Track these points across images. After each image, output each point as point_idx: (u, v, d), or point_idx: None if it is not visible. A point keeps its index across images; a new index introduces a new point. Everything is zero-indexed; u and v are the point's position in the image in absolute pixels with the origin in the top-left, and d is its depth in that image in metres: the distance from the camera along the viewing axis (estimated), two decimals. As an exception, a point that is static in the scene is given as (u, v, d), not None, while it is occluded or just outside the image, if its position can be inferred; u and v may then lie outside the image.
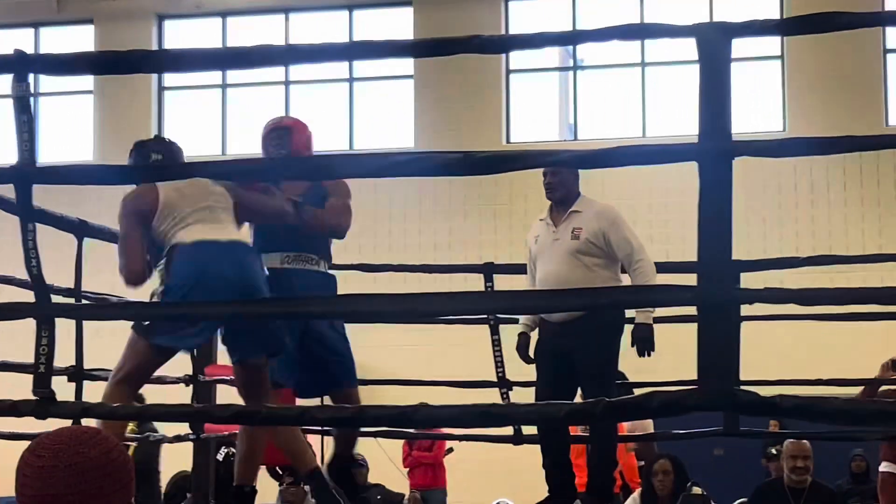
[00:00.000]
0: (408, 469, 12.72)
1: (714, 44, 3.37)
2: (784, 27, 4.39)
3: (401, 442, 12.22)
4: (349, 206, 6.02)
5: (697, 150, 3.39)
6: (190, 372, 6.83)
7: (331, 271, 6.15)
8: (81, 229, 5.78)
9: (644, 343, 6.21)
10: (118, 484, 2.42)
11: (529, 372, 7.30)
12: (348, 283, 11.14)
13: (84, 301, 6.14)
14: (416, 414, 3.52)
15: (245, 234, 5.64)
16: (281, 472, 9.88)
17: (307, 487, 10.91)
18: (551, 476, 6.38)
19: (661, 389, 3.36)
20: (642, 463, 9.60)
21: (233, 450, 9.10)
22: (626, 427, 8.98)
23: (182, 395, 6.76)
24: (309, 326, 5.91)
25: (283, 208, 5.65)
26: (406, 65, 16.51)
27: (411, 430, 8.31)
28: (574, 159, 3.65)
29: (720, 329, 3.33)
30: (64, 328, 4.33)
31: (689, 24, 3.46)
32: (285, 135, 6.00)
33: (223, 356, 7.22)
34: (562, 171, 6.18)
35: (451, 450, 12.62)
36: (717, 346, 3.31)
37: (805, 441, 8.42)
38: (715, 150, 3.33)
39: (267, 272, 5.54)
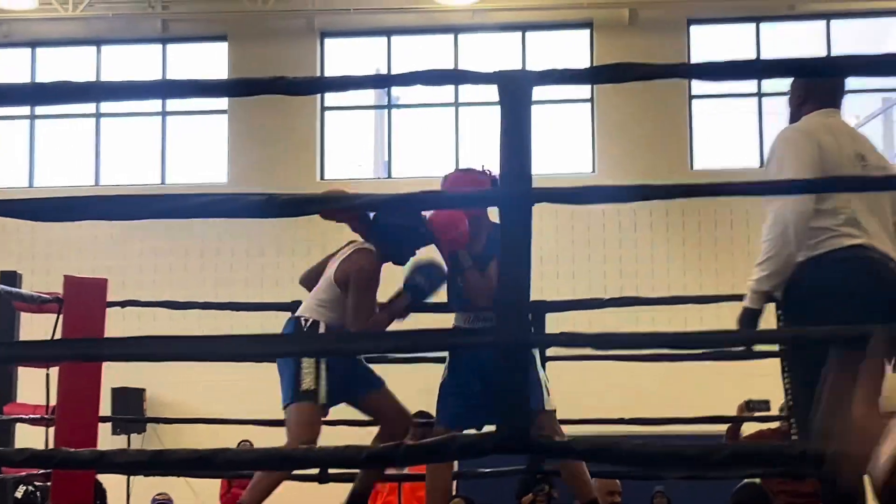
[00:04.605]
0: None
1: (515, 91, 3.43)
2: (584, 76, 4.50)
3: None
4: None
5: (498, 196, 3.45)
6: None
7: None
8: None
9: None
10: None
11: (336, 412, 7.32)
12: (158, 321, 11.07)
13: None
14: (216, 458, 3.49)
15: None
16: None
17: None
18: None
19: (460, 434, 3.40)
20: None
21: (31, 487, 8.82)
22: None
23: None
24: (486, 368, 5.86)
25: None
26: (220, 99, 16.37)
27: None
28: (381, 202, 3.66)
29: (517, 372, 3.38)
30: None
31: (492, 71, 3.52)
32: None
33: (21, 394, 7.06)
34: None
35: None
36: (514, 389, 3.37)
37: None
38: (515, 196, 3.39)
39: None
